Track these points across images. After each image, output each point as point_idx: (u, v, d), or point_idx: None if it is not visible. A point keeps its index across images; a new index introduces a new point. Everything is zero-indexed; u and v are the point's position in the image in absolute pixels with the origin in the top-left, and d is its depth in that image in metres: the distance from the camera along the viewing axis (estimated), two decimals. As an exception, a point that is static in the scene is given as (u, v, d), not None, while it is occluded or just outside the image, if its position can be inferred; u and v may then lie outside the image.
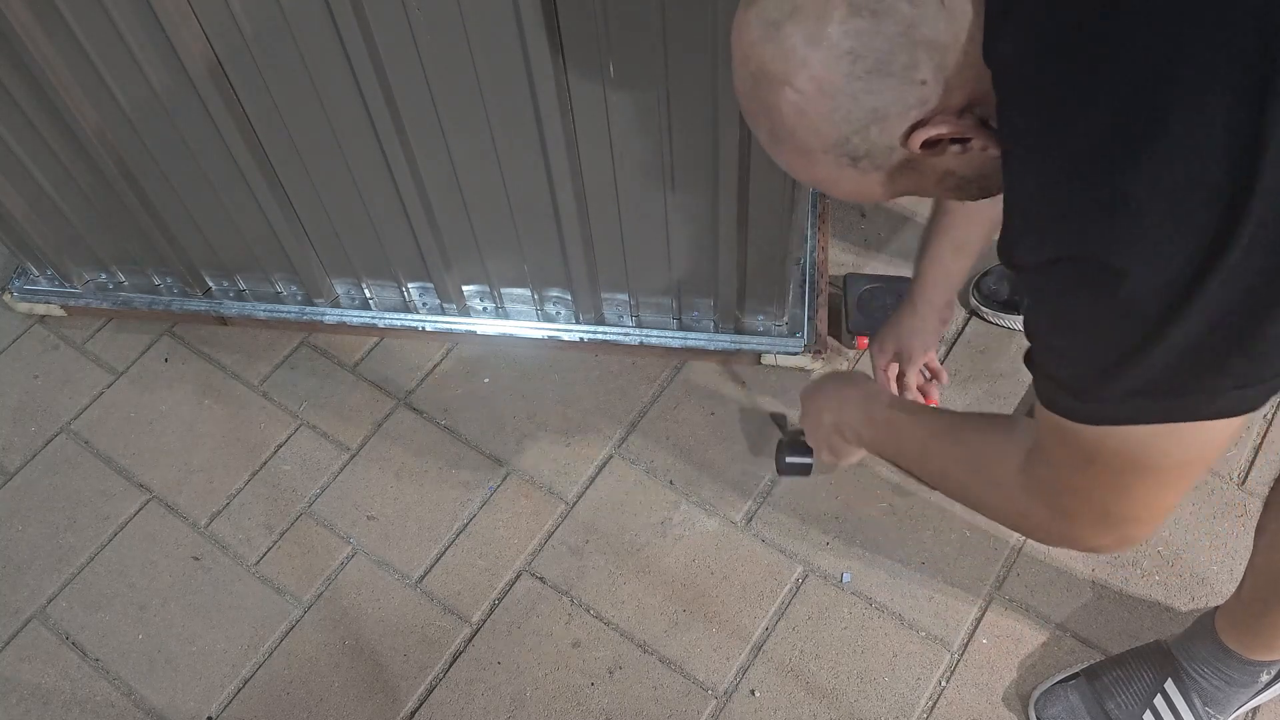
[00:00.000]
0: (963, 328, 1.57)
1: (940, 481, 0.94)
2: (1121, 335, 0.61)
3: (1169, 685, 1.16)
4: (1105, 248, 0.58)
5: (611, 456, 1.50)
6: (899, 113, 0.66)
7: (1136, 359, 0.61)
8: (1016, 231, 0.64)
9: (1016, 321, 1.53)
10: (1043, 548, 1.36)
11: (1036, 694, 1.25)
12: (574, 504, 1.46)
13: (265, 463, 1.54)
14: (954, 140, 0.68)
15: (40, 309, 1.72)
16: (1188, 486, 0.73)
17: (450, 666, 1.35)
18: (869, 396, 1.06)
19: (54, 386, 1.66)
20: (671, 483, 1.46)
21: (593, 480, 1.48)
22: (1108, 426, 0.67)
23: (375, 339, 1.65)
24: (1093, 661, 1.26)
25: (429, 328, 1.60)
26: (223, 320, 1.67)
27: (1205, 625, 1.15)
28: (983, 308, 1.56)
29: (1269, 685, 1.15)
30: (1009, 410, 1.47)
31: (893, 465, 1.08)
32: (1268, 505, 1.01)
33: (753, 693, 1.29)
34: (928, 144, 0.68)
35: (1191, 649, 1.15)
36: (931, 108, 0.66)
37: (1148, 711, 1.17)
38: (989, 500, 0.87)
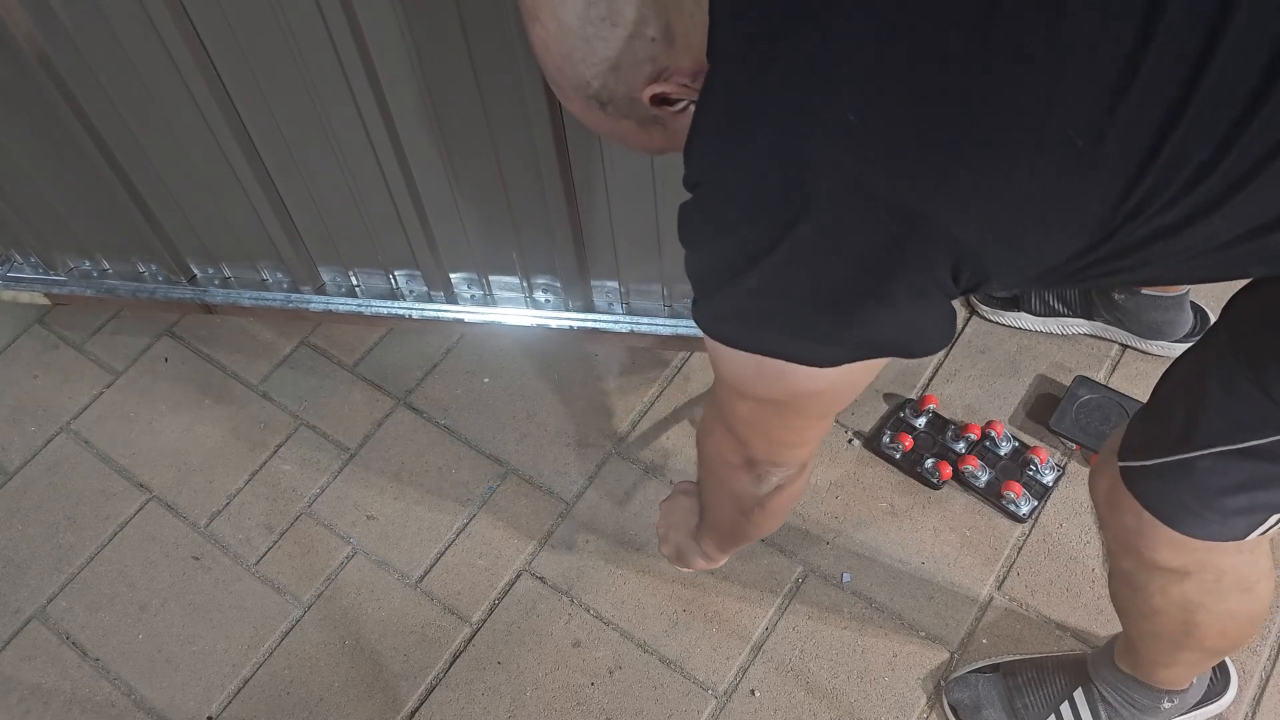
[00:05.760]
0: (963, 327, 1.56)
1: (715, 509, 1.03)
2: (721, 262, 0.70)
3: (1078, 695, 1.18)
4: (715, 201, 0.69)
5: (611, 455, 1.50)
6: (632, 64, 0.69)
7: (727, 288, 0.70)
8: (688, 155, 0.71)
9: (1016, 320, 1.52)
10: (1043, 548, 1.36)
11: (952, 677, 1.27)
12: (574, 504, 1.46)
13: (265, 463, 1.54)
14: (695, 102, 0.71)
15: (24, 297, 1.71)
16: (807, 430, 0.83)
17: (450, 666, 1.35)
18: (688, 509, 1.17)
19: (53, 386, 1.66)
20: (672, 481, 1.46)
21: (592, 479, 1.48)
22: (710, 338, 0.75)
23: (375, 338, 1.64)
24: (1015, 657, 1.27)
25: (416, 315, 1.56)
26: (208, 308, 1.65)
27: (1109, 647, 1.16)
28: (982, 306, 1.56)
29: (1177, 717, 1.16)
30: (1008, 409, 1.47)
31: (734, 544, 1.16)
32: None
33: (753, 693, 1.29)
34: (662, 100, 0.71)
35: (1099, 668, 1.17)
36: (663, 65, 0.69)
37: (1052, 715, 1.19)
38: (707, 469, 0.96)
